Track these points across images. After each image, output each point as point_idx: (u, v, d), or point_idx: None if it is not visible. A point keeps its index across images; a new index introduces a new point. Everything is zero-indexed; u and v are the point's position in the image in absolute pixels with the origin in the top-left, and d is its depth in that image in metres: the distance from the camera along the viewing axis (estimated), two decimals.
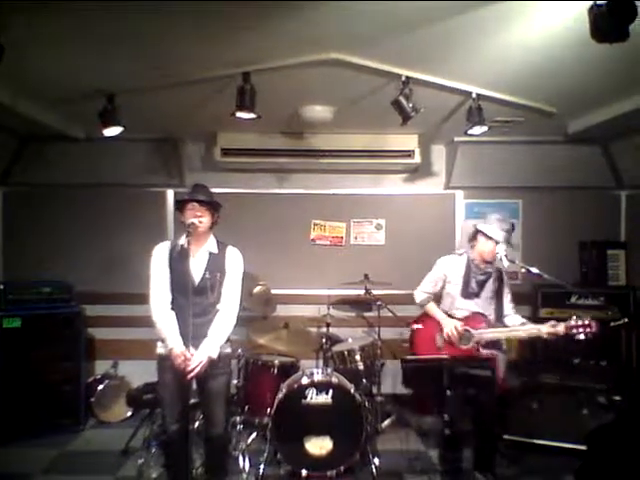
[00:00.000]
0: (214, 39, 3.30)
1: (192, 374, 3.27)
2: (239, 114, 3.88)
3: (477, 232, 4.05)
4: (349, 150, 5.69)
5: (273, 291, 5.35)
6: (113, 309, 5.87)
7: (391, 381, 5.76)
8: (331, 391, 4.13)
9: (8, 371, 4.86)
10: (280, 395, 4.20)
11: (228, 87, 3.91)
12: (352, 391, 4.19)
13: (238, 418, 4.59)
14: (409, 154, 5.69)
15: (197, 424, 4.06)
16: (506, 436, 4.59)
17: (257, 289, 5.18)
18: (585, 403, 4.42)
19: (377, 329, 5.35)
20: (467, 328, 3.96)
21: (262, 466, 4.13)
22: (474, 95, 4.17)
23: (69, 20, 2.99)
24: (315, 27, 3.14)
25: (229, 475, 3.85)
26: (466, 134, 4.46)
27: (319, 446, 4.06)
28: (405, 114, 3.87)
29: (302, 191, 6.14)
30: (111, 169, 5.79)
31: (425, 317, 4.26)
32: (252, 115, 3.88)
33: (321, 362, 4.75)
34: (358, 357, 4.81)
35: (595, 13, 2.44)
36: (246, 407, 4.66)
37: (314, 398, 4.12)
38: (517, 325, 3.99)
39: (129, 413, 5.41)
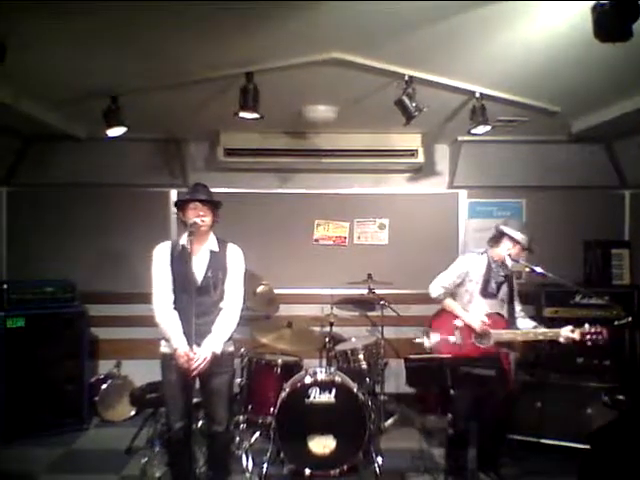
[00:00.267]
0: (217, 39, 3.30)
1: (196, 371, 3.27)
2: (242, 114, 3.87)
3: (503, 235, 4.03)
4: (352, 150, 5.68)
5: (276, 290, 5.35)
6: (116, 309, 5.87)
7: (394, 380, 5.76)
8: (334, 390, 4.14)
9: (12, 371, 4.87)
10: (283, 394, 4.21)
11: (231, 87, 3.92)
12: (355, 390, 4.19)
13: (241, 417, 4.60)
14: (412, 154, 5.68)
15: (200, 423, 4.07)
16: (510, 435, 4.59)
17: (260, 288, 5.19)
18: (589, 402, 4.41)
19: (380, 328, 5.35)
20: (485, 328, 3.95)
21: (265, 465, 4.14)
22: (477, 94, 4.17)
23: (72, 20, 2.99)
24: (318, 27, 3.14)
25: (232, 474, 3.86)
26: (469, 133, 4.45)
27: (322, 445, 4.07)
28: (408, 114, 3.87)
29: (305, 191, 6.14)
30: (114, 169, 5.80)
31: (442, 315, 4.16)
32: (255, 115, 3.88)
33: (324, 361, 4.75)
34: (361, 356, 4.81)
35: (598, 12, 2.43)
36: (249, 406, 4.66)
37: (317, 397, 4.12)
38: (531, 328, 3.99)
39: (132, 412, 5.42)
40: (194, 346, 3.29)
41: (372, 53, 3.55)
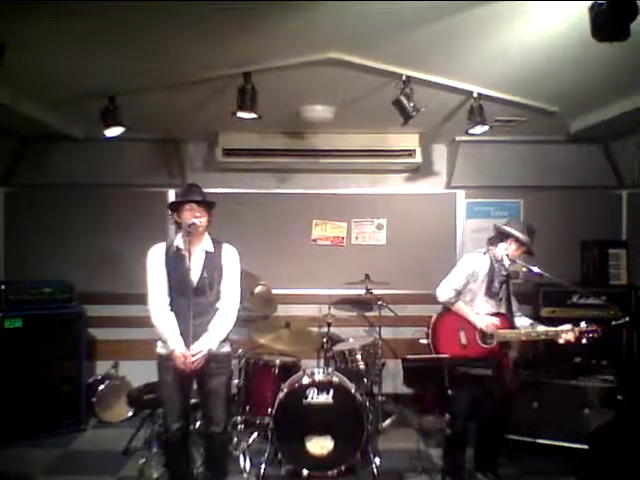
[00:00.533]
0: (215, 40, 3.30)
1: (193, 366, 3.27)
2: (240, 114, 3.87)
3: (507, 236, 4.02)
4: (350, 150, 5.68)
5: (274, 291, 5.35)
6: (114, 309, 5.87)
7: (392, 381, 5.76)
8: (332, 391, 4.14)
9: (10, 371, 4.86)
10: (281, 395, 4.21)
11: (229, 87, 3.91)
12: (353, 391, 4.19)
13: (239, 418, 4.60)
14: (410, 154, 5.68)
15: (198, 424, 4.07)
16: (507, 435, 4.58)
17: (258, 289, 5.19)
18: (586, 402, 4.42)
19: (378, 329, 5.36)
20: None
21: (263, 466, 4.14)
22: (475, 94, 4.17)
23: (71, 21, 2.98)
24: (315, 27, 3.14)
25: (230, 474, 3.86)
26: (467, 133, 4.46)
27: (320, 446, 4.06)
28: (406, 114, 3.87)
29: (303, 191, 6.14)
30: (112, 169, 5.79)
31: (446, 315, 4.11)
32: (253, 115, 3.88)
33: (322, 362, 4.75)
34: (359, 357, 4.81)
35: (596, 12, 2.43)
36: (247, 407, 4.66)
37: (315, 398, 4.12)
38: (528, 326, 4.00)
39: (130, 413, 5.41)
40: (191, 348, 3.28)
41: (370, 53, 3.55)
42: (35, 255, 5.85)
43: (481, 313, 4.00)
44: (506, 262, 3.91)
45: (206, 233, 3.55)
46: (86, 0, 2.74)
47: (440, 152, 6.21)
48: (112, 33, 3.19)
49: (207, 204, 3.49)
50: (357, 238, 6.18)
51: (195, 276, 3.42)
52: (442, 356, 3.61)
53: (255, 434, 4.63)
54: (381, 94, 4.09)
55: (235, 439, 4.42)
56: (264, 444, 4.36)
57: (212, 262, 3.50)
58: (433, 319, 4.09)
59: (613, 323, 3.92)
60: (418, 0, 2.78)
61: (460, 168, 5.94)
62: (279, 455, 4.14)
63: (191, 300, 3.25)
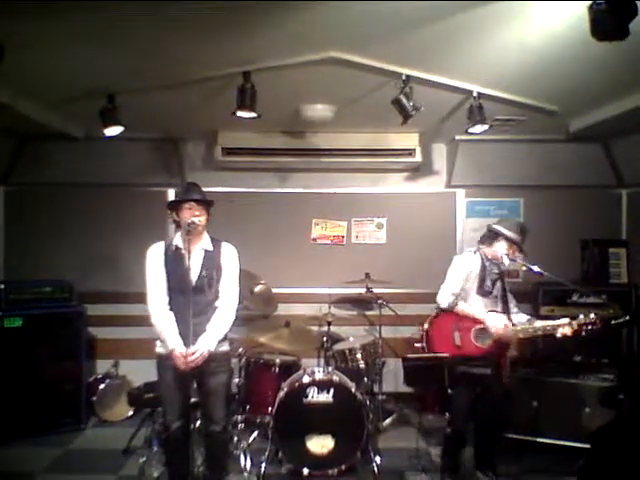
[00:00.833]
0: (215, 39, 3.29)
1: (191, 365, 3.27)
2: (240, 113, 3.87)
3: (498, 235, 4.01)
4: (350, 149, 5.68)
5: (274, 290, 5.35)
6: (114, 308, 5.88)
7: (392, 379, 5.76)
8: (332, 390, 4.14)
9: (9, 371, 4.86)
10: (281, 394, 4.21)
11: (229, 86, 3.91)
12: (353, 390, 4.20)
13: (239, 417, 4.61)
14: (410, 153, 5.68)
15: (198, 423, 4.07)
16: (507, 434, 4.59)
17: (258, 288, 5.19)
18: (586, 401, 4.42)
19: (378, 328, 5.36)
20: (484, 327, 3.95)
21: (263, 465, 4.14)
22: (475, 94, 4.16)
23: (69, 20, 2.98)
24: (315, 26, 3.14)
25: (230, 473, 3.87)
26: (467, 133, 4.46)
27: (320, 445, 4.07)
28: (406, 113, 3.87)
29: (303, 190, 6.14)
30: (112, 168, 5.79)
31: (440, 316, 4.09)
32: (253, 114, 3.88)
33: (322, 361, 4.75)
34: (359, 356, 4.81)
35: (595, 11, 2.43)
36: (247, 406, 4.67)
37: (315, 397, 4.13)
38: (524, 322, 3.98)
39: (130, 412, 5.41)
40: (191, 347, 3.28)
41: (369, 52, 3.54)
42: (35, 254, 5.86)
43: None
44: (506, 261, 3.91)
45: (205, 232, 3.55)
46: (87, 0, 2.74)
47: (440, 151, 6.22)
48: (111, 32, 3.18)
49: (206, 203, 3.49)
50: (357, 237, 6.18)
51: (194, 275, 3.42)
52: (442, 355, 3.61)
53: (255, 433, 4.64)
54: (381, 93, 4.09)
55: (235, 438, 4.42)
56: (264, 443, 4.37)
57: (211, 261, 3.50)
58: (427, 321, 4.10)
59: (613, 322, 3.91)
60: (418, 0, 2.79)
61: (460, 167, 5.94)
62: (279, 454, 4.15)
63: (190, 299, 3.25)
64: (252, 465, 4.20)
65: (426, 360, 3.60)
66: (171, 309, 3.42)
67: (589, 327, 3.64)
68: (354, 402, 4.14)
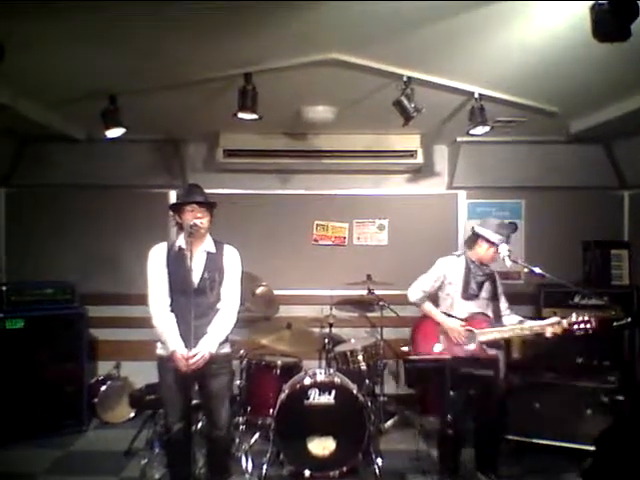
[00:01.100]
0: (216, 40, 3.29)
1: (194, 366, 3.27)
2: (241, 115, 3.87)
3: (478, 236, 4.03)
4: (351, 150, 5.68)
5: (276, 292, 5.35)
6: (115, 310, 5.88)
7: (394, 381, 5.75)
8: (334, 391, 4.14)
9: (11, 372, 4.86)
10: (283, 396, 4.21)
11: (230, 88, 3.92)
12: (355, 391, 4.19)
13: (241, 419, 4.60)
14: (411, 154, 5.68)
15: (200, 425, 4.06)
16: (508, 436, 4.58)
17: (260, 290, 5.18)
18: (588, 403, 4.41)
19: (380, 329, 5.35)
20: (470, 328, 3.95)
21: (265, 466, 4.14)
22: (476, 95, 4.16)
23: (70, 20, 2.99)
24: (316, 27, 3.14)
25: (232, 475, 3.86)
26: (468, 134, 4.46)
27: (322, 446, 4.06)
28: (407, 114, 3.87)
29: (304, 192, 6.14)
30: (113, 170, 5.79)
31: (425, 318, 4.20)
32: (254, 116, 3.88)
33: (324, 362, 4.74)
34: (361, 357, 4.81)
35: (597, 12, 2.43)
36: (249, 408, 4.67)
37: (317, 398, 4.12)
38: (514, 324, 3.98)
39: (132, 414, 5.41)
40: (192, 349, 3.28)
41: (371, 54, 3.55)
42: (36, 256, 5.86)
43: (461, 315, 4.02)
44: (508, 263, 3.90)
45: (208, 234, 3.55)
46: (87, 0, 2.75)
47: (441, 153, 6.21)
48: (112, 33, 3.19)
49: (208, 205, 3.49)
50: (359, 239, 6.18)
51: (196, 277, 3.42)
52: (444, 356, 3.60)
53: (257, 435, 4.64)
54: (382, 95, 4.09)
55: (237, 440, 4.41)
56: (266, 445, 4.37)
57: (213, 263, 3.50)
58: (413, 323, 4.22)
59: (615, 324, 3.90)
60: (419, 0, 2.78)
61: (461, 169, 5.94)
62: (281, 456, 4.15)
63: (192, 301, 3.25)
64: (253, 467, 4.20)
65: (427, 362, 3.60)
66: (172, 310, 3.41)
67: (582, 326, 3.61)
68: (355, 404, 4.14)
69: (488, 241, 3.96)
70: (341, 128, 5.40)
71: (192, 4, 2.81)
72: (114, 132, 4.38)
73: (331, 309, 5.04)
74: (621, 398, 4.22)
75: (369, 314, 5.63)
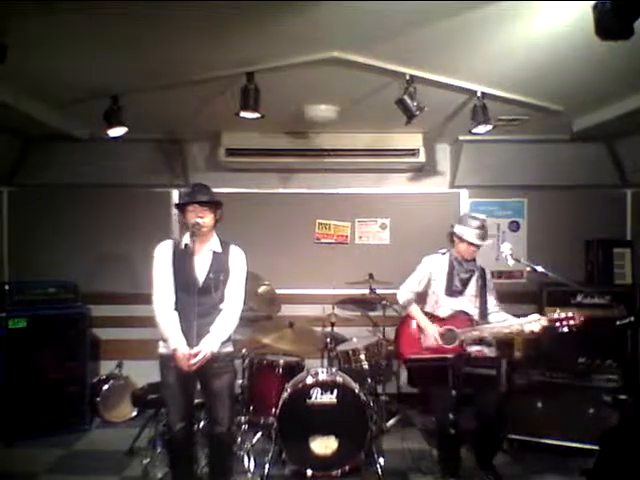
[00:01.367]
0: (218, 39, 3.30)
1: (195, 367, 3.27)
2: (243, 114, 3.87)
3: (453, 234, 4.07)
4: (353, 149, 5.68)
5: (278, 291, 5.34)
6: (118, 309, 5.87)
7: (396, 380, 5.75)
8: (336, 391, 4.13)
9: (13, 371, 4.87)
10: (285, 395, 4.20)
11: (232, 87, 3.92)
12: (357, 391, 4.19)
13: (243, 418, 4.59)
14: (413, 153, 5.68)
15: (202, 424, 4.07)
16: (511, 435, 4.58)
17: (262, 289, 5.18)
18: (591, 402, 4.40)
19: (382, 328, 5.35)
20: (451, 327, 3.96)
21: (267, 466, 4.14)
22: (479, 94, 4.16)
23: (72, 21, 2.99)
24: (318, 26, 3.14)
25: (234, 474, 3.87)
26: (471, 133, 4.44)
27: (324, 446, 4.06)
28: (409, 113, 3.86)
29: (306, 191, 6.13)
30: (115, 169, 5.78)
31: (409, 318, 4.25)
32: (256, 115, 3.88)
33: (326, 362, 4.74)
34: (363, 356, 4.81)
35: (599, 11, 2.42)
36: (251, 407, 4.66)
37: (319, 398, 4.12)
38: (500, 322, 3.97)
39: (134, 413, 5.42)
40: (194, 348, 3.28)
41: (373, 52, 3.54)
42: (39, 255, 5.86)
43: (445, 313, 4.04)
44: (510, 261, 3.89)
45: (214, 233, 3.56)
46: (89, 0, 2.74)
47: (444, 151, 6.20)
48: (114, 33, 3.19)
49: (211, 204, 3.49)
50: (361, 238, 6.18)
51: (201, 276, 3.43)
52: (446, 356, 3.59)
53: (259, 434, 4.64)
54: (384, 93, 4.09)
55: (239, 439, 4.41)
56: (268, 444, 4.37)
57: (219, 263, 3.50)
58: (398, 323, 4.29)
59: (618, 323, 3.90)
60: (421, 0, 2.78)
61: (464, 167, 5.93)
62: (283, 455, 4.15)
63: (196, 299, 3.25)
64: (256, 466, 4.20)
65: (430, 361, 3.59)
66: (177, 309, 3.41)
67: (564, 323, 3.58)
68: (358, 403, 4.13)
69: (459, 238, 4.01)
70: (343, 127, 5.39)
71: (195, 4, 2.81)
72: (116, 131, 4.38)
73: (333, 308, 5.04)
74: (624, 397, 4.22)
75: (371, 313, 5.62)
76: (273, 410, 4.33)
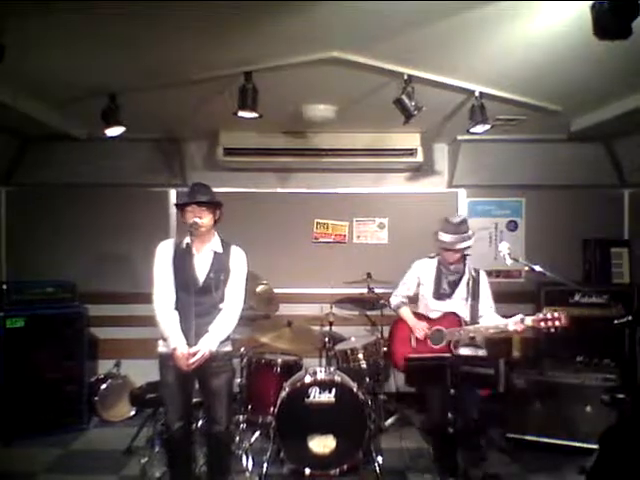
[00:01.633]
0: (216, 39, 3.29)
1: (193, 366, 3.26)
2: (241, 113, 3.87)
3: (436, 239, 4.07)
4: (351, 149, 5.68)
5: (276, 290, 5.34)
6: (116, 309, 5.87)
7: (394, 379, 5.75)
8: (334, 390, 4.14)
9: (11, 371, 4.87)
10: (283, 394, 4.21)
11: (230, 86, 3.91)
12: (355, 390, 4.19)
13: (241, 417, 4.60)
14: (411, 153, 5.68)
15: (200, 423, 4.06)
16: (510, 434, 4.59)
17: (260, 288, 5.18)
18: (589, 401, 4.41)
19: (380, 328, 5.35)
20: (439, 328, 3.96)
21: (265, 465, 4.14)
22: (477, 93, 4.16)
23: (70, 20, 2.99)
24: (317, 26, 3.14)
25: (232, 473, 3.87)
26: (469, 132, 4.45)
27: (322, 445, 4.06)
28: (407, 113, 3.87)
29: (304, 190, 6.14)
30: (113, 169, 5.78)
31: (400, 322, 4.26)
32: (254, 114, 3.88)
33: (324, 361, 4.75)
34: (361, 356, 4.80)
35: (597, 10, 2.43)
36: (249, 406, 4.66)
37: (317, 397, 4.12)
38: (485, 324, 3.95)
39: (132, 412, 5.42)
40: (193, 347, 3.28)
41: (371, 52, 3.54)
42: (36, 254, 5.86)
43: (434, 315, 4.04)
44: (508, 261, 3.88)
45: (215, 233, 3.56)
46: (88, 1, 2.74)
47: (442, 151, 6.21)
48: (112, 32, 3.19)
49: (210, 204, 3.48)
50: (359, 237, 6.18)
51: (201, 276, 3.43)
52: (444, 355, 3.60)
53: (257, 433, 4.64)
54: (382, 93, 4.09)
55: (237, 438, 4.41)
56: (266, 443, 4.37)
57: (220, 263, 3.50)
58: (390, 325, 4.34)
59: (616, 322, 3.90)
60: (420, 0, 2.78)
61: (462, 167, 5.93)
62: (281, 454, 4.14)
63: (196, 299, 3.26)
64: (254, 465, 4.20)
65: (428, 360, 3.60)
66: (177, 308, 3.41)
67: (549, 324, 3.57)
68: (356, 402, 4.14)
69: (437, 240, 4.03)
70: (341, 126, 5.39)
71: (192, 3, 2.81)
72: (114, 131, 4.38)
73: (331, 307, 5.04)
74: (622, 396, 4.22)
75: (369, 312, 5.62)
76: (271, 409, 4.34)
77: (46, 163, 5.69)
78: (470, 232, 4.01)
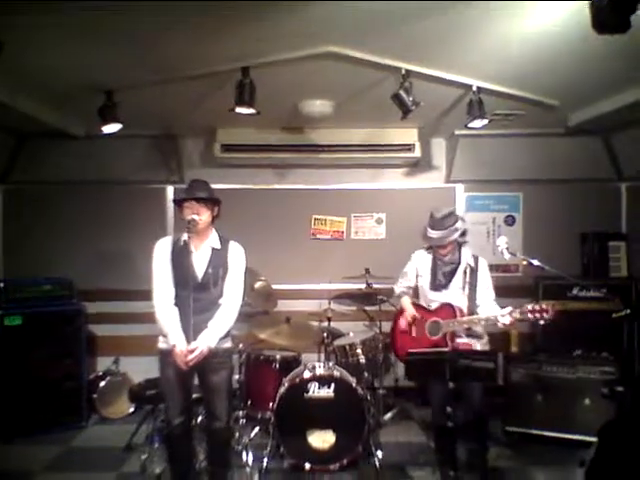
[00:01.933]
0: (213, 34, 3.29)
1: (192, 362, 3.26)
2: (238, 109, 3.87)
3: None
4: (349, 145, 5.68)
5: (274, 286, 5.34)
6: (114, 306, 5.88)
7: (393, 374, 5.76)
8: (333, 385, 4.15)
9: (9, 369, 4.86)
10: (282, 389, 4.21)
11: (227, 82, 3.91)
12: (354, 384, 4.20)
13: (241, 412, 4.60)
14: (409, 148, 5.68)
15: (200, 419, 4.07)
16: (509, 428, 4.61)
17: (258, 284, 5.18)
18: (587, 394, 4.43)
19: (378, 323, 5.36)
20: (436, 319, 3.96)
21: (265, 460, 4.15)
22: (474, 88, 4.16)
23: (68, 17, 2.98)
24: (314, 21, 3.13)
25: (232, 469, 3.88)
26: (466, 127, 4.45)
27: (322, 440, 4.07)
28: (405, 108, 3.86)
29: (302, 186, 6.13)
30: (110, 166, 5.78)
31: (401, 313, 4.27)
32: (251, 110, 3.87)
33: (323, 356, 4.75)
34: (360, 351, 4.80)
35: (596, 4, 2.43)
36: (248, 402, 4.67)
37: (316, 392, 4.13)
38: (479, 315, 3.96)
39: (132, 409, 5.42)
40: (192, 343, 3.28)
41: (368, 47, 3.54)
42: (34, 252, 5.85)
43: (432, 306, 4.05)
44: (506, 255, 3.88)
45: (213, 229, 3.55)
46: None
47: (439, 146, 6.21)
48: (109, 29, 3.18)
49: (207, 201, 3.48)
50: (357, 233, 6.19)
51: (200, 272, 3.42)
52: (443, 349, 3.61)
53: (257, 429, 4.65)
54: (380, 88, 4.09)
55: (237, 434, 4.42)
56: (266, 438, 4.39)
57: (218, 259, 3.50)
58: (392, 320, 4.34)
59: (614, 315, 3.92)
60: None
61: (459, 162, 5.94)
62: (281, 449, 4.15)
63: (194, 295, 3.25)
64: (254, 460, 4.21)
65: (427, 354, 3.60)
66: (176, 304, 3.41)
67: (537, 315, 3.57)
68: (355, 397, 4.15)
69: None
70: (339, 122, 5.39)
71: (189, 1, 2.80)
72: (111, 128, 4.36)
73: (329, 303, 5.05)
74: (621, 389, 4.24)
75: (367, 307, 5.63)
76: (271, 404, 4.35)
77: (43, 161, 5.68)
78: (458, 224, 3.95)
